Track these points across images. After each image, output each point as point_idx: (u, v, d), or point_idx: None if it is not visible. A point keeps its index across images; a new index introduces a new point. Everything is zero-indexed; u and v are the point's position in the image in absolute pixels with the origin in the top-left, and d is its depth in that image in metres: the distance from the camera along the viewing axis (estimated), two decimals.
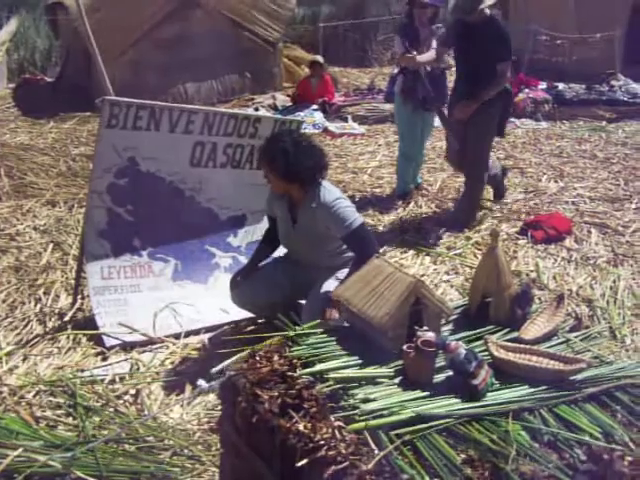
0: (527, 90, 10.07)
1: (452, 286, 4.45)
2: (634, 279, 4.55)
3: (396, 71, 5.91)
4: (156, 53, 9.89)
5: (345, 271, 3.48)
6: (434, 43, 5.77)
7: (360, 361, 2.27)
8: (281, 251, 3.89)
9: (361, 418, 1.98)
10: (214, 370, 2.44)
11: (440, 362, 2.25)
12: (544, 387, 2.19)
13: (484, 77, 5.05)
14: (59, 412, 3.14)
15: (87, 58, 8.33)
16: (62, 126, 9.14)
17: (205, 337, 3.87)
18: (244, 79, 11.05)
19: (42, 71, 13.02)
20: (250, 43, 10.94)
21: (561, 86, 10.62)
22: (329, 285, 3.48)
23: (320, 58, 10.45)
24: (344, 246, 3.57)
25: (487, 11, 4.99)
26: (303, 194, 3.52)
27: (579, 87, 10.38)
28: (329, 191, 3.50)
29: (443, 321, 2.56)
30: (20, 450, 2.62)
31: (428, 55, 5.38)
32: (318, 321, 2.75)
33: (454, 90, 5.42)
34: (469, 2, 4.89)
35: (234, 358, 2.36)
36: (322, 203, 3.44)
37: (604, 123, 9.40)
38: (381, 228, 5.52)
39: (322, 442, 1.88)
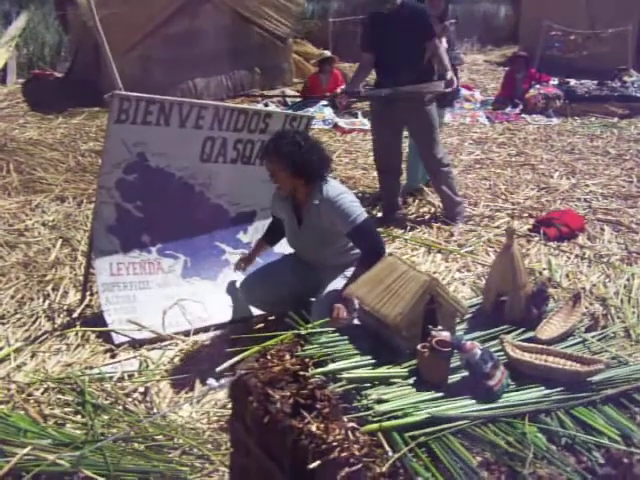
0: (538, 86, 10.00)
1: (464, 284, 4.40)
2: None
3: None
4: (165, 48, 9.86)
5: (353, 269, 3.45)
6: (444, 42, 5.73)
7: (373, 361, 2.23)
8: (289, 249, 3.87)
9: (375, 419, 1.94)
10: (220, 369, 2.41)
11: (455, 362, 2.21)
12: (561, 388, 2.15)
13: (419, 59, 5.15)
14: (67, 410, 3.11)
15: (96, 53, 8.34)
16: (71, 121, 9.14)
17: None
18: (254, 74, 11.02)
19: (51, 66, 13.04)
20: (260, 38, 10.92)
21: (573, 82, 10.56)
22: (337, 284, 3.45)
23: (329, 53, 10.43)
24: (351, 243, 3.53)
25: (398, 0, 5.05)
26: (307, 192, 3.48)
27: (591, 83, 10.31)
28: (332, 187, 3.47)
29: (457, 320, 2.52)
30: (28, 448, 2.60)
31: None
32: (327, 319, 2.73)
33: (381, 86, 5.34)
34: None
35: (241, 356, 2.32)
36: (326, 198, 3.41)
37: (616, 119, 9.31)
38: (391, 225, 5.46)
39: (335, 443, 1.84)
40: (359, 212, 3.40)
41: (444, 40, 5.77)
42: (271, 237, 3.97)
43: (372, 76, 5.63)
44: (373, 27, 5.20)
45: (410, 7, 5.10)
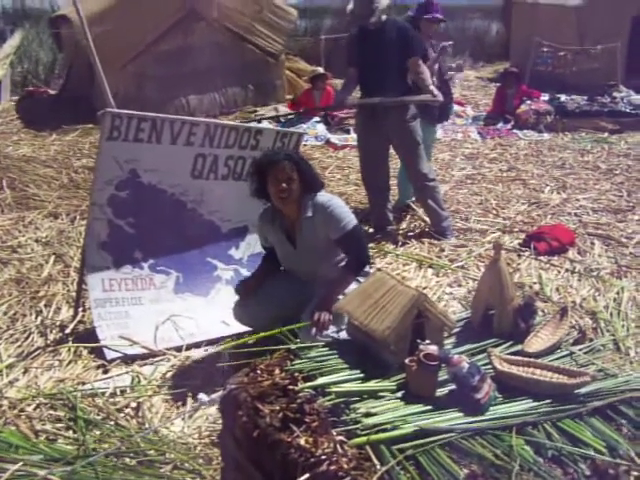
0: (529, 102, 10.10)
1: (455, 298, 4.43)
2: (638, 291, 4.51)
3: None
4: (159, 65, 9.91)
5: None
6: (436, 67, 5.79)
7: (362, 375, 2.25)
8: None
9: (363, 433, 1.96)
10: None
11: (443, 376, 2.23)
12: (548, 401, 2.18)
13: (402, 76, 5.23)
14: (59, 425, 3.11)
15: (90, 70, 8.33)
16: (65, 138, 9.17)
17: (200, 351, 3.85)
18: (247, 91, 11.08)
19: (45, 84, 13.08)
20: (252, 55, 10.98)
21: (563, 97, 10.66)
22: None
23: (321, 70, 10.50)
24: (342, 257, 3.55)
25: (383, 17, 5.12)
26: (297, 208, 3.48)
27: (581, 98, 10.42)
28: (321, 195, 3.50)
29: (446, 334, 2.54)
30: (19, 464, 2.60)
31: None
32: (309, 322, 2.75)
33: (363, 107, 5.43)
34: (366, 6, 5.02)
35: (223, 346, 2.35)
36: (318, 206, 3.42)
37: (606, 134, 9.39)
38: (383, 240, 5.49)
39: (323, 457, 1.86)
40: (350, 218, 3.44)
41: (436, 66, 5.82)
42: (273, 265, 3.77)
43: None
44: (358, 42, 5.26)
45: (394, 24, 5.18)
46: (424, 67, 5.27)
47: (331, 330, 3.11)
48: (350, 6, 5.43)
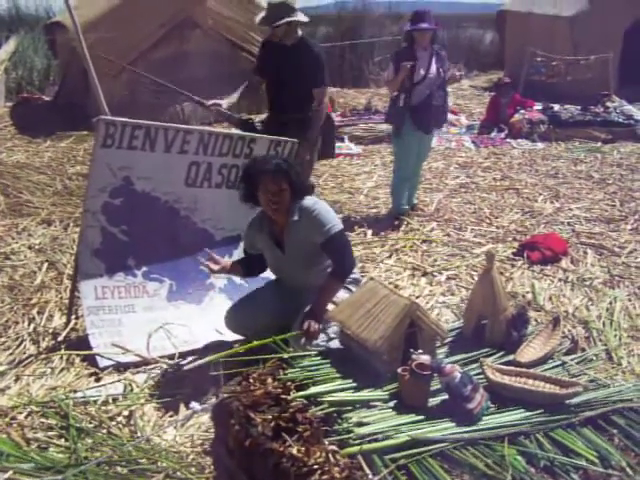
0: (523, 111, 10.15)
1: (447, 307, 4.43)
2: (630, 300, 4.54)
3: (394, 94, 5.92)
4: (153, 73, 9.85)
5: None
6: (434, 67, 5.77)
7: (355, 384, 2.26)
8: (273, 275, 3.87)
9: (355, 442, 1.97)
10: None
11: (435, 385, 2.23)
12: (540, 411, 2.19)
13: (304, 103, 4.92)
14: (51, 433, 3.10)
15: (84, 77, 8.32)
16: (59, 145, 9.16)
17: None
18: (241, 99, 11.06)
19: (40, 90, 13.05)
20: (247, 63, 10.97)
21: (557, 107, 10.69)
22: None
23: None
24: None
25: (299, 32, 4.85)
26: (286, 216, 3.48)
27: (574, 108, 10.45)
28: (308, 199, 3.47)
29: (438, 344, 2.54)
30: (10, 473, 2.60)
31: None
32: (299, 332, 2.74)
33: (271, 121, 5.21)
34: (275, 12, 4.68)
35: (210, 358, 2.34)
36: (304, 209, 3.40)
37: (599, 144, 9.45)
38: (376, 249, 5.50)
39: (316, 466, 1.87)
40: (335, 222, 3.40)
41: (433, 64, 5.78)
42: (244, 268, 3.78)
43: None
44: (268, 54, 5.04)
45: (307, 47, 4.86)
46: (326, 104, 5.06)
47: (321, 339, 3.10)
48: (262, 14, 4.83)
